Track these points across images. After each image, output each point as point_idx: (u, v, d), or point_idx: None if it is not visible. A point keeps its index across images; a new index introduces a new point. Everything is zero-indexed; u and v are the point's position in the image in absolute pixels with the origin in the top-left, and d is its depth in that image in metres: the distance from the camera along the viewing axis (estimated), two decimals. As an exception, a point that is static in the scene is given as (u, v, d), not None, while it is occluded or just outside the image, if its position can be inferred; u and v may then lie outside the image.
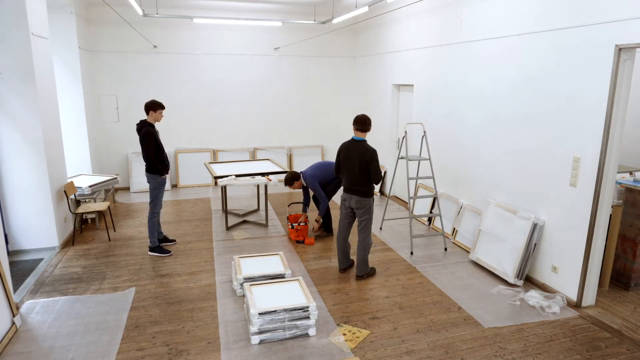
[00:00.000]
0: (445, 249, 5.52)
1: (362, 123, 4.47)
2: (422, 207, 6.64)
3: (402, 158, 5.86)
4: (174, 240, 5.73)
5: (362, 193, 4.52)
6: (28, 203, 5.23)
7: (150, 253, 5.32)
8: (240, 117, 9.00)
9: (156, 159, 5.08)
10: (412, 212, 6.22)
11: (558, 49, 4.13)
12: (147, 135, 5.00)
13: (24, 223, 5.27)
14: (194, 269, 4.94)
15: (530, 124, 4.55)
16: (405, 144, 5.77)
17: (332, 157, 9.71)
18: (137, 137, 8.56)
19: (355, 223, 4.74)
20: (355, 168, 4.46)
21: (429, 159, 5.73)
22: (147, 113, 5.12)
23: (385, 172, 8.12)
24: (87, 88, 7.46)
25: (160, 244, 5.46)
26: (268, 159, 7.40)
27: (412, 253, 5.37)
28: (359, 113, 4.73)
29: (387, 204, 7.01)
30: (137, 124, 5.14)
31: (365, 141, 4.50)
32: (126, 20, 7.66)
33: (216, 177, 6.02)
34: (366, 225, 4.63)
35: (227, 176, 6.06)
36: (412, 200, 6.06)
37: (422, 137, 5.77)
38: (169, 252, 5.34)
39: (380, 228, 6.22)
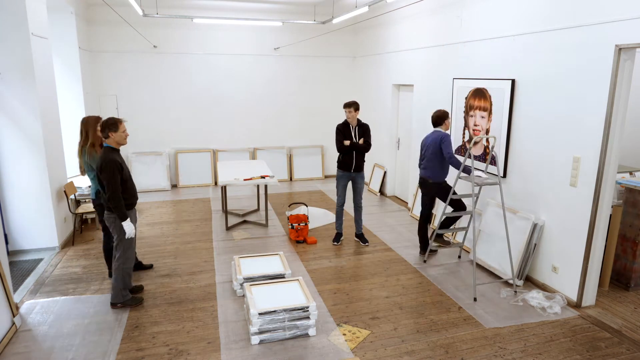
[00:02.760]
0: (515, 294, 4.33)
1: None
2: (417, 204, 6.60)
3: (461, 177, 4.61)
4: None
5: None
6: (28, 203, 5.23)
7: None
8: (240, 117, 9.00)
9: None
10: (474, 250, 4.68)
11: (558, 48, 4.13)
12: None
13: (24, 223, 5.27)
14: (194, 269, 4.94)
15: (530, 124, 4.55)
16: (472, 159, 4.48)
17: (332, 157, 9.70)
18: (137, 138, 8.70)
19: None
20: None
21: (499, 183, 4.42)
22: None
23: (385, 172, 8.12)
24: (87, 88, 7.45)
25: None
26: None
27: (475, 299, 4.26)
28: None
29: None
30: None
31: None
32: (126, 20, 7.66)
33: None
34: None
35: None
36: (473, 233, 4.59)
37: (490, 151, 4.92)
38: None
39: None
